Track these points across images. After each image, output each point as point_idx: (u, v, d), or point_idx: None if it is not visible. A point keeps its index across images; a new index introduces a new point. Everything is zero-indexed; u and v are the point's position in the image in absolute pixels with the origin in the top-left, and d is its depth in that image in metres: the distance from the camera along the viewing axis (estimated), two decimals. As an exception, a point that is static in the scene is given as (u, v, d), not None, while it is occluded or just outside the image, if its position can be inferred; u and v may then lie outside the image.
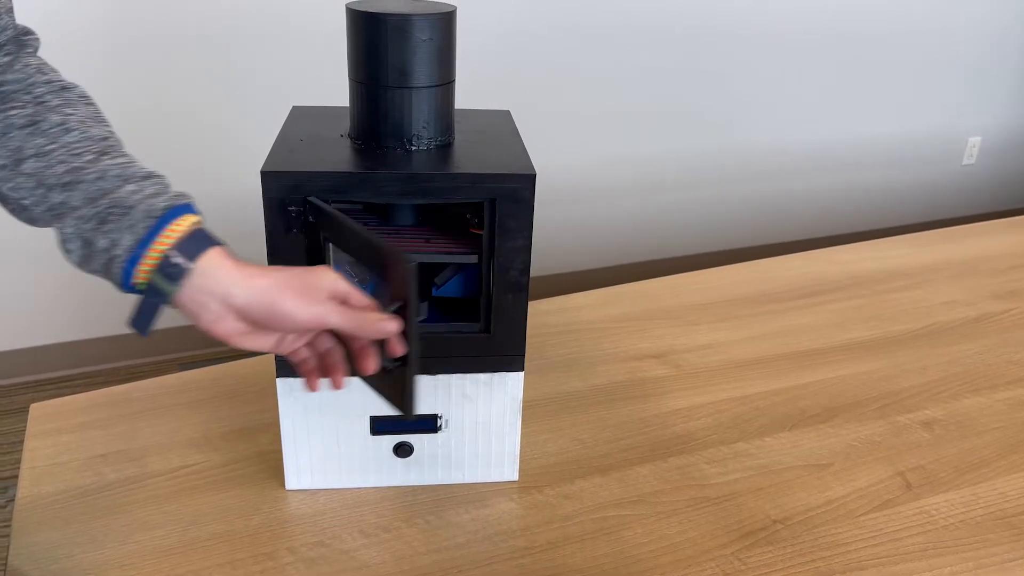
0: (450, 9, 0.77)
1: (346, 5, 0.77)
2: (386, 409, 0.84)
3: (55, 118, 0.64)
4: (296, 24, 2.22)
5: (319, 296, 0.64)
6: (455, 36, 0.79)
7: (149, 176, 0.64)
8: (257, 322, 0.64)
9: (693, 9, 2.67)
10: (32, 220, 0.65)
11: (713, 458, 0.94)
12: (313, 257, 0.76)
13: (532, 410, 1.01)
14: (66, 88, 0.68)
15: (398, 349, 0.67)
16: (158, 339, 2.35)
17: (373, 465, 0.87)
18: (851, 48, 2.98)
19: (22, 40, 0.67)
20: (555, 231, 2.79)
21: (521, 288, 0.80)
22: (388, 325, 0.65)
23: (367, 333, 0.66)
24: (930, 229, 1.64)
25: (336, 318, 0.65)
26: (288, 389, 0.82)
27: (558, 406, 1.03)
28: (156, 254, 0.61)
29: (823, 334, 1.22)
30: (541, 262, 2.74)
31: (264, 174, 0.74)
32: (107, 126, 0.68)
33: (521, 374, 0.85)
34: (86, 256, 0.62)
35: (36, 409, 0.99)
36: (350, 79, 0.80)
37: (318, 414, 0.84)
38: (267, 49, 2.22)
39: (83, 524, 0.82)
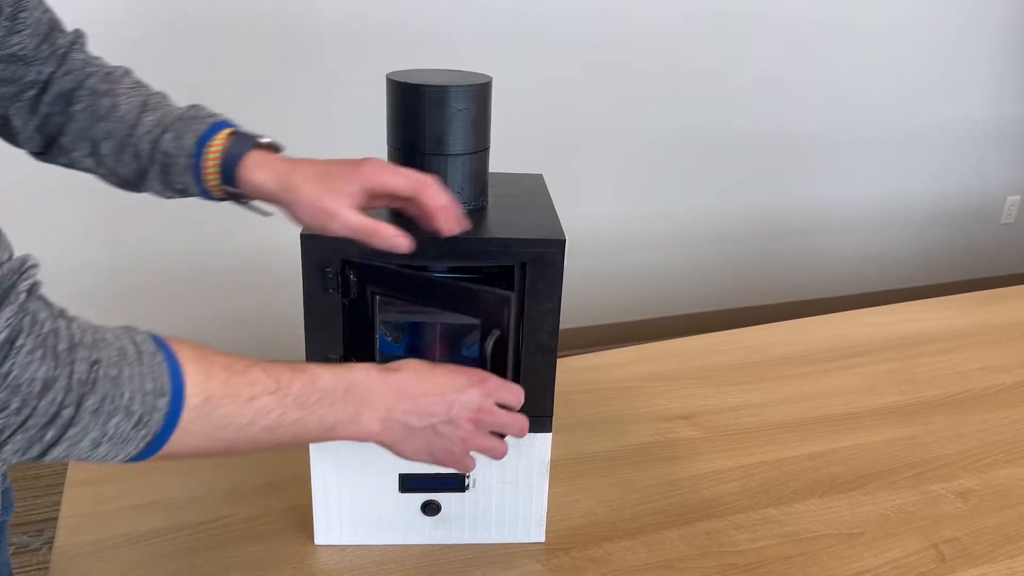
0: (486, 80, 0.80)
1: (386, 76, 0.80)
2: (415, 467, 0.85)
3: (107, 101, 0.75)
4: (337, 91, 2.29)
5: (341, 193, 0.69)
6: (490, 105, 0.82)
7: (179, 117, 0.75)
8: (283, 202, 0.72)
9: (725, 69, 2.70)
10: (133, 189, 0.77)
11: (742, 524, 0.94)
12: (351, 316, 0.79)
13: (560, 469, 1.01)
14: (109, 72, 0.77)
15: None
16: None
17: (401, 522, 0.88)
18: (890, 107, 2.99)
19: (74, 42, 0.77)
20: (583, 283, 2.81)
21: (549, 350, 0.82)
22: (400, 241, 0.69)
23: (376, 245, 0.70)
24: (967, 288, 1.63)
25: (339, 225, 0.69)
26: (320, 445, 0.84)
27: (586, 466, 1.03)
28: (212, 177, 0.73)
29: (856, 398, 1.21)
30: (569, 314, 2.75)
31: (304, 237, 0.76)
32: (143, 88, 0.79)
33: (549, 435, 0.85)
34: (178, 193, 0.76)
35: (76, 457, 1.01)
36: (388, 145, 0.83)
37: (349, 470, 0.85)
38: (309, 113, 2.29)
39: (117, 575, 0.84)
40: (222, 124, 0.74)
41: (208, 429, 0.55)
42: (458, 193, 0.82)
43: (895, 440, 1.11)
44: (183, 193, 0.76)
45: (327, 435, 0.64)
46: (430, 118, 0.78)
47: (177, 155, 0.73)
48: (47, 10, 0.75)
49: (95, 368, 0.49)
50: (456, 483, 0.87)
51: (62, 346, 0.48)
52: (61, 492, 0.96)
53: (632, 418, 1.14)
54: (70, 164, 0.78)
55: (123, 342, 0.52)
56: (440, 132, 0.79)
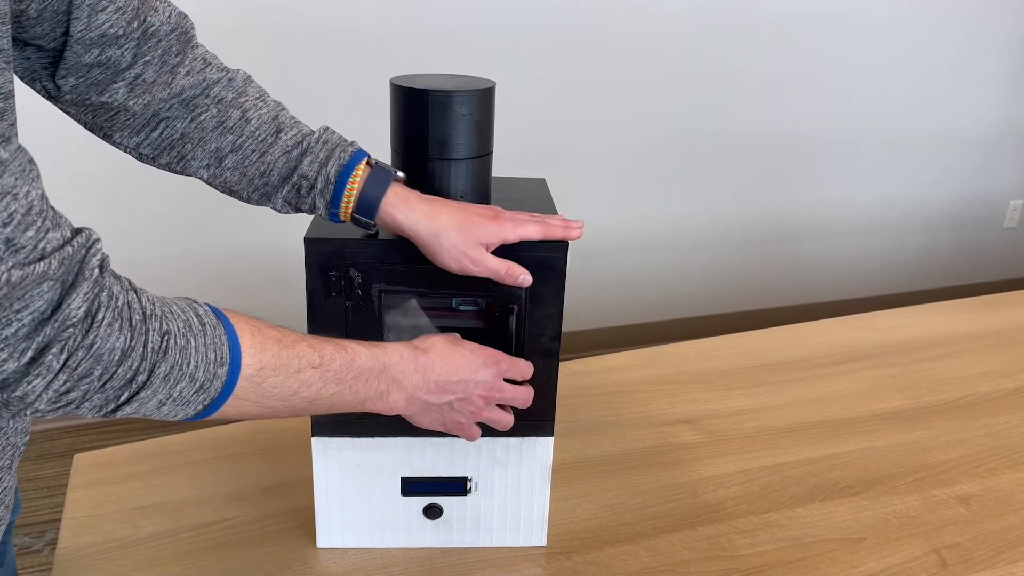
0: (489, 85, 0.81)
1: (390, 80, 0.81)
2: (417, 471, 0.86)
3: (235, 113, 0.75)
4: (339, 95, 2.29)
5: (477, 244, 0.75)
6: (494, 110, 0.82)
7: (318, 140, 0.76)
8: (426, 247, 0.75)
9: (727, 71, 2.71)
10: (245, 200, 0.78)
11: (743, 528, 0.94)
12: (353, 319, 0.79)
13: (562, 473, 1.01)
14: (231, 78, 0.76)
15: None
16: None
17: (403, 526, 0.88)
18: (893, 111, 2.99)
19: (183, 32, 0.73)
20: (586, 287, 2.81)
21: (552, 354, 0.82)
22: (527, 277, 0.77)
23: (508, 282, 0.77)
24: (970, 293, 1.63)
25: (480, 269, 0.75)
26: (323, 448, 0.84)
27: (588, 470, 1.03)
28: (349, 206, 0.74)
29: (857, 402, 1.21)
30: (571, 318, 2.75)
31: (307, 240, 0.77)
32: (269, 99, 0.78)
33: (551, 439, 0.86)
34: (296, 210, 0.78)
35: (79, 460, 1.02)
36: (392, 149, 0.83)
37: (351, 474, 0.85)
38: (311, 117, 2.30)
39: (119, 576, 0.84)
40: (361, 153, 0.76)
41: (258, 397, 0.61)
42: (461, 197, 0.82)
43: (897, 445, 1.11)
44: (304, 211, 0.77)
45: (358, 408, 0.69)
46: (434, 123, 0.79)
47: (316, 180, 0.74)
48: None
49: (166, 338, 0.54)
50: (458, 487, 0.87)
51: (136, 318, 0.53)
52: (63, 494, 0.97)
53: (634, 422, 1.14)
54: (182, 171, 0.77)
55: (189, 314, 0.57)
56: (444, 137, 0.79)
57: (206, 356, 0.56)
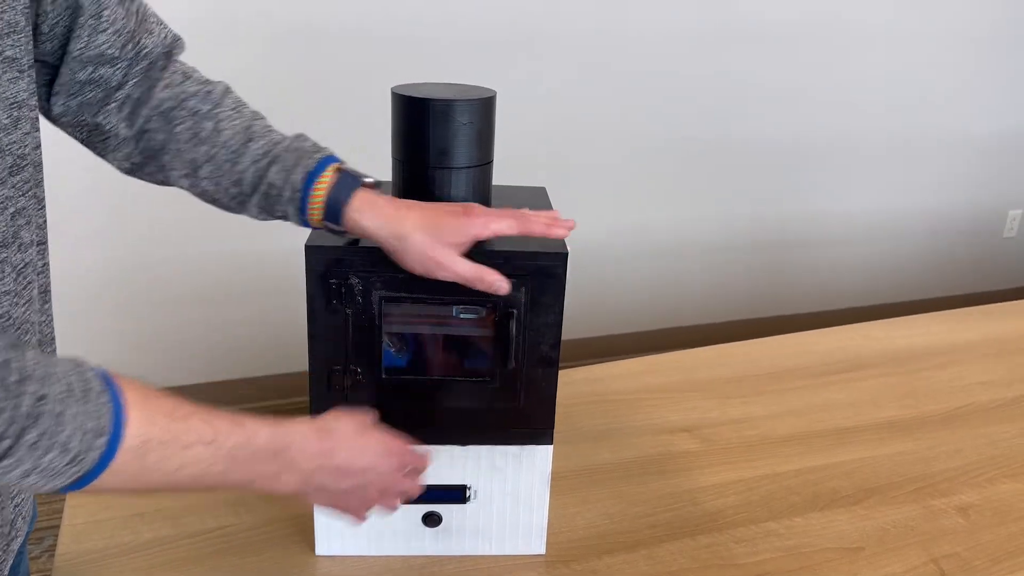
0: (490, 94, 0.81)
1: (391, 89, 0.81)
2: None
3: (209, 125, 0.75)
4: (339, 102, 2.30)
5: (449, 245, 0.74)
6: (494, 119, 0.83)
7: (287, 148, 0.75)
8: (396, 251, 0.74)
9: (726, 80, 2.72)
10: (224, 209, 0.78)
11: (742, 537, 0.94)
12: (355, 327, 0.79)
13: (561, 482, 1.01)
14: (209, 91, 0.77)
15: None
16: (200, 394, 2.40)
17: (402, 533, 0.88)
18: (892, 120, 2.99)
19: (170, 52, 0.75)
20: (586, 295, 2.81)
21: (552, 363, 0.82)
22: (502, 284, 0.75)
23: (481, 288, 0.75)
24: (969, 302, 1.63)
25: (448, 273, 0.73)
26: (322, 455, 0.84)
27: (587, 479, 1.03)
28: (317, 212, 0.74)
29: (857, 412, 1.21)
30: (570, 326, 2.75)
31: (308, 248, 0.77)
32: (246, 110, 0.78)
33: (550, 447, 0.86)
34: (272, 217, 0.77)
35: (79, 465, 1.02)
36: (393, 158, 0.84)
37: (350, 481, 0.85)
38: (312, 124, 2.30)
39: (118, 583, 0.84)
40: (329, 159, 0.75)
41: (138, 472, 0.56)
42: (462, 206, 0.82)
43: (896, 454, 1.11)
44: (280, 219, 0.77)
45: (243, 487, 0.65)
46: (435, 131, 0.79)
47: (283, 187, 0.74)
48: (133, 10, 0.72)
49: (41, 403, 0.50)
50: (457, 495, 0.87)
51: (12, 378, 0.49)
52: (61, 500, 0.97)
53: (633, 430, 1.14)
54: (164, 181, 0.78)
55: (71, 378, 0.53)
56: (445, 145, 0.79)
57: (83, 425, 0.52)
